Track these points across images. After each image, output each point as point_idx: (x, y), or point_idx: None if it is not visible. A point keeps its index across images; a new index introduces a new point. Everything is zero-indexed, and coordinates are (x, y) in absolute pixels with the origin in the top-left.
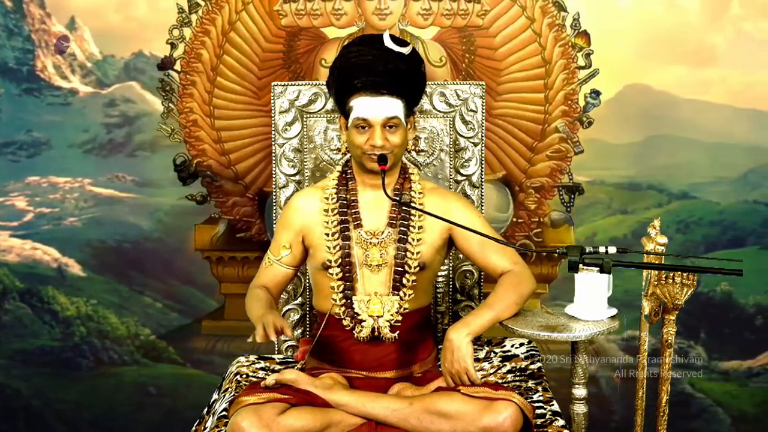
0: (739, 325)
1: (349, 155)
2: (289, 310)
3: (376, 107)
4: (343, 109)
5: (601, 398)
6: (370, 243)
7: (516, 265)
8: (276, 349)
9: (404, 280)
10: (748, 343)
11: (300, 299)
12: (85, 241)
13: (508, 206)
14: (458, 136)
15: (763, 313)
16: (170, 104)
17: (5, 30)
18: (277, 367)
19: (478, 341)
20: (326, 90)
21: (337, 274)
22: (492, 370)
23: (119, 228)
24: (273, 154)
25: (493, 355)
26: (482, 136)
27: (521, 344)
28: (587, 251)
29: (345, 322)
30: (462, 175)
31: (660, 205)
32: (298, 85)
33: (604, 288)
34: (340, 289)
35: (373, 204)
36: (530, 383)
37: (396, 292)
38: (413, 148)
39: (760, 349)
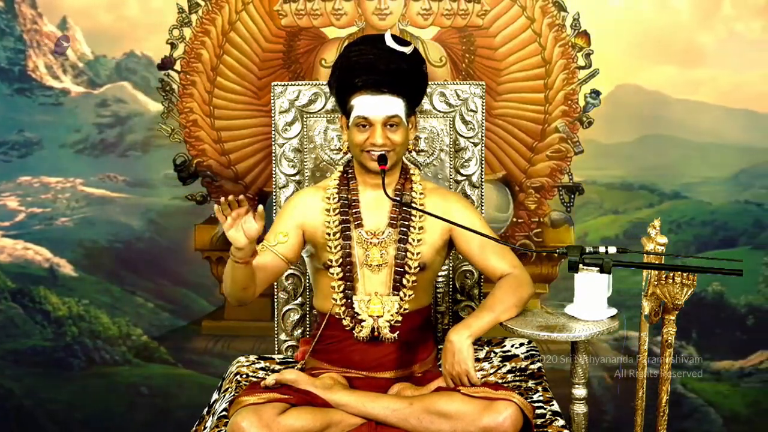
0: (731, 325)
1: (349, 155)
2: (289, 310)
3: (377, 106)
4: (344, 109)
5: (594, 398)
6: (371, 243)
7: (515, 268)
8: (276, 349)
9: (404, 281)
10: (740, 343)
11: (300, 299)
12: (77, 241)
13: (508, 206)
14: (458, 136)
15: (754, 313)
16: (170, 104)
17: None
18: (277, 367)
19: (478, 341)
20: (326, 90)
21: (337, 274)
22: (492, 370)
23: (111, 228)
24: (273, 154)
25: (493, 355)
26: (482, 136)
27: (521, 344)
28: (587, 251)
29: (345, 322)
30: (462, 175)
31: (651, 205)
32: (298, 85)
33: (604, 288)
34: (341, 289)
35: (374, 204)
36: (530, 383)
37: (396, 293)
38: (414, 148)
39: (752, 349)
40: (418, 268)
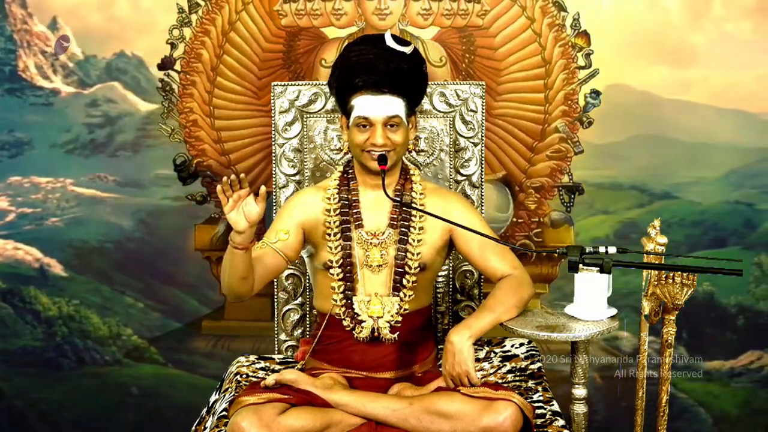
0: (721, 326)
1: (349, 155)
2: (289, 310)
3: (377, 106)
4: (345, 109)
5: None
6: (371, 243)
7: (516, 269)
8: (276, 349)
9: (404, 281)
10: (730, 344)
11: (300, 299)
12: (67, 241)
13: (508, 206)
14: (458, 136)
15: (744, 314)
16: (170, 104)
17: None
18: (277, 367)
19: (478, 341)
20: (326, 90)
21: (338, 275)
22: (492, 370)
23: (101, 228)
24: (273, 154)
25: (493, 355)
26: (482, 136)
27: (521, 344)
28: (587, 251)
29: (345, 323)
30: (462, 175)
31: (642, 205)
32: (298, 85)
33: (604, 288)
34: (341, 289)
35: (374, 204)
36: (530, 383)
37: (396, 293)
38: (414, 148)
39: (742, 349)
40: (419, 269)
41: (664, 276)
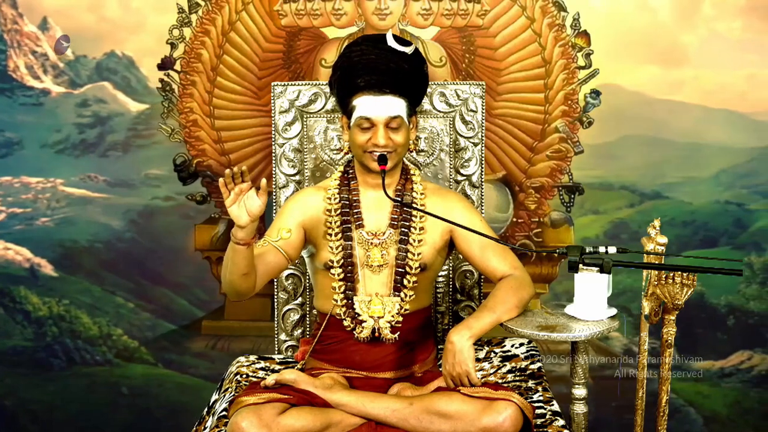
0: (711, 326)
1: (350, 155)
2: (289, 310)
3: (379, 106)
4: (345, 109)
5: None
6: (372, 243)
7: (516, 269)
8: (276, 349)
9: (405, 281)
10: (720, 344)
11: (300, 299)
12: (58, 241)
13: (508, 206)
14: (458, 136)
15: (734, 314)
16: (170, 104)
17: None
18: (277, 367)
19: (478, 341)
20: (326, 90)
21: (338, 275)
22: (492, 370)
23: (91, 228)
24: (273, 154)
25: (493, 355)
26: (482, 136)
27: (521, 344)
28: (587, 251)
29: (346, 323)
30: (462, 175)
31: (632, 205)
32: (298, 85)
33: (604, 288)
34: (342, 289)
35: (375, 204)
36: (530, 383)
37: (397, 293)
38: (414, 148)
39: (732, 349)
40: (419, 269)
41: (664, 276)
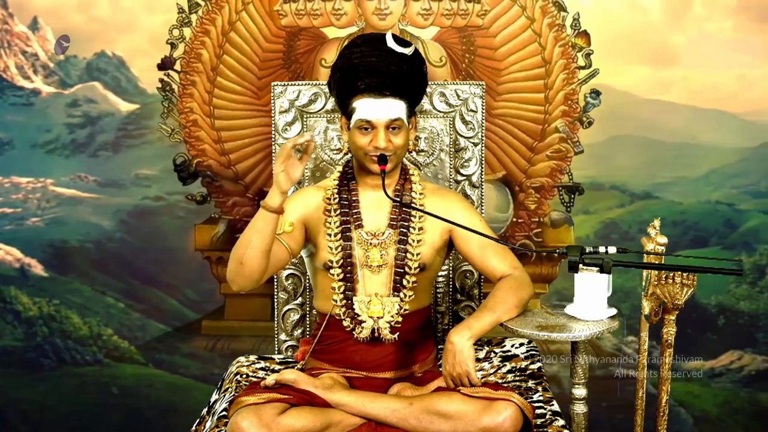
0: (702, 326)
1: (349, 155)
2: (289, 310)
3: (379, 109)
4: (345, 110)
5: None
6: (371, 244)
7: (516, 269)
8: (276, 349)
9: (404, 282)
10: (711, 344)
11: (300, 299)
12: (48, 242)
13: (508, 206)
14: (458, 136)
15: (725, 314)
16: (170, 104)
17: None
18: (277, 367)
19: (478, 341)
20: (326, 90)
21: (338, 275)
22: (492, 370)
23: (81, 228)
24: (273, 154)
25: (493, 355)
26: (482, 136)
27: (521, 344)
28: (587, 251)
29: (345, 323)
30: (462, 175)
31: (622, 205)
32: (298, 85)
33: (604, 288)
34: (341, 289)
35: (374, 204)
36: (530, 383)
37: (396, 294)
38: (414, 148)
39: (722, 349)
40: (418, 269)
41: (664, 276)
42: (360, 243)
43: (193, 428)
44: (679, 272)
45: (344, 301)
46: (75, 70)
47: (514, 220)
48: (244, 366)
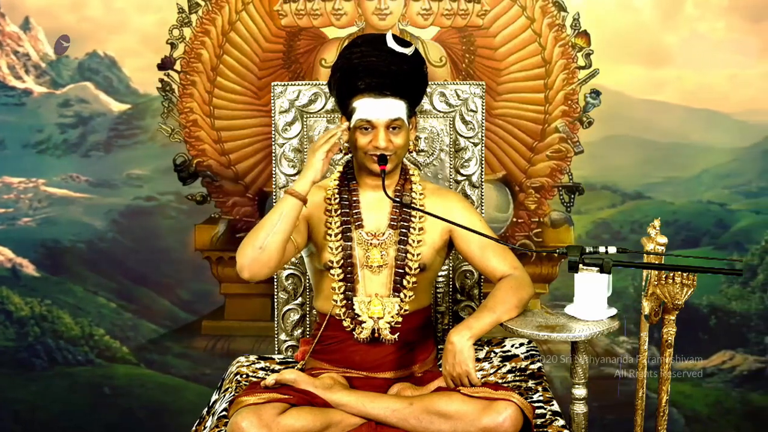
0: (693, 326)
1: (349, 155)
2: (289, 310)
3: (379, 109)
4: (345, 110)
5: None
6: (371, 244)
7: (516, 269)
8: (276, 349)
9: (405, 282)
10: (702, 344)
11: (300, 299)
12: (40, 241)
13: (508, 206)
14: (458, 136)
15: (716, 314)
16: (170, 104)
17: None
18: (277, 367)
19: (477, 341)
20: (326, 90)
21: (338, 275)
22: (492, 370)
23: (73, 228)
24: (273, 154)
25: (493, 355)
26: (482, 136)
27: (521, 344)
28: (587, 251)
29: (345, 323)
30: (462, 175)
31: (614, 205)
32: (298, 85)
33: (604, 288)
34: (341, 290)
35: (375, 205)
36: (530, 383)
37: (396, 294)
38: (414, 148)
39: (714, 349)
40: (419, 269)
41: (664, 276)
42: (360, 243)
43: (194, 428)
44: (679, 272)
45: (344, 302)
46: (67, 70)
47: (514, 220)
48: (244, 366)
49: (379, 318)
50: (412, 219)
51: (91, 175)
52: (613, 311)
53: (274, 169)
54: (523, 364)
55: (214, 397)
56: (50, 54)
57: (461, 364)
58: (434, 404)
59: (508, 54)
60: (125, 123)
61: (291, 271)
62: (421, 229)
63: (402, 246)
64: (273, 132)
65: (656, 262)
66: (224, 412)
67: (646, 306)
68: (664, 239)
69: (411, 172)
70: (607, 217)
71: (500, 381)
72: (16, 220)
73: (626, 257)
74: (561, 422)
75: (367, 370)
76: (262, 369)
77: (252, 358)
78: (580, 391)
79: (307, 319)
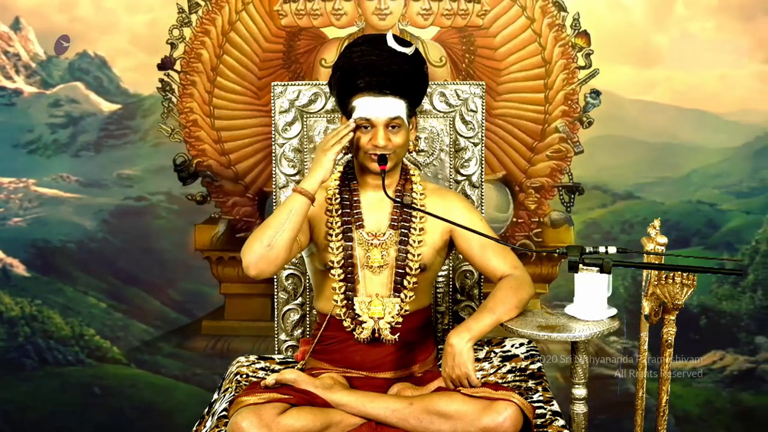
0: (684, 326)
1: (349, 155)
2: (289, 310)
3: (379, 107)
4: (345, 110)
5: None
6: (372, 244)
7: (516, 269)
8: (276, 349)
9: (405, 282)
10: (693, 344)
11: (300, 299)
12: (30, 242)
13: (508, 206)
14: (458, 136)
15: (707, 314)
16: (170, 104)
17: None
18: (277, 367)
19: (477, 341)
20: (326, 90)
21: (339, 276)
22: (492, 370)
23: (63, 228)
24: (273, 154)
25: (493, 355)
26: (482, 136)
27: (521, 344)
28: (587, 251)
29: (346, 324)
30: (462, 175)
31: (604, 205)
32: (298, 85)
33: (604, 288)
34: (342, 290)
35: (375, 205)
36: (530, 383)
37: (397, 294)
38: (414, 148)
39: (704, 349)
40: (419, 270)
41: (664, 276)
42: (361, 243)
43: (194, 428)
44: (680, 272)
45: (345, 302)
46: (57, 70)
47: (514, 220)
48: (244, 366)
49: (379, 318)
50: (413, 219)
51: (82, 175)
52: (613, 311)
53: (274, 169)
54: (523, 364)
55: (214, 397)
56: (41, 54)
57: (461, 366)
58: (434, 404)
59: (508, 54)
60: (116, 123)
61: (291, 271)
62: (421, 229)
63: (402, 246)
64: (273, 132)
65: (656, 262)
66: (224, 412)
67: (646, 306)
68: (664, 239)
69: (411, 172)
70: (598, 217)
71: (500, 381)
72: (7, 220)
73: (625, 257)
74: (561, 422)
75: (367, 370)
76: (262, 369)
77: (252, 358)
78: (580, 391)
79: (307, 319)
